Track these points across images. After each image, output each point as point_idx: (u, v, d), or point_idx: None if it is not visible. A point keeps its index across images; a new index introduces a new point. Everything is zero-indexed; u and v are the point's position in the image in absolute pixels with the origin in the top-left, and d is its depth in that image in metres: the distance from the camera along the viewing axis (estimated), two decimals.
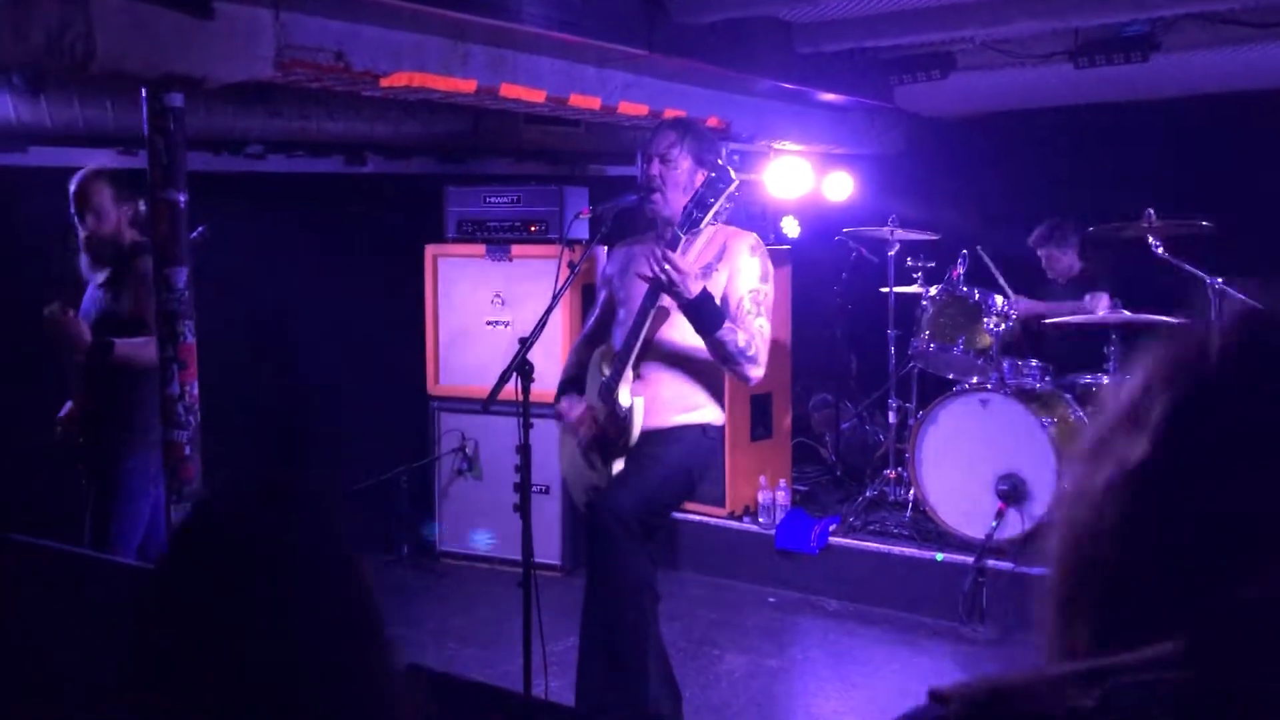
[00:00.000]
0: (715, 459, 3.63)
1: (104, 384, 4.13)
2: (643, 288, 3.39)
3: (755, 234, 3.58)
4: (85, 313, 4.21)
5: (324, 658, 1.25)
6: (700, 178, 3.41)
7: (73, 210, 4.17)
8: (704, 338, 3.33)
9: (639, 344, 3.38)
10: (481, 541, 5.93)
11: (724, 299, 3.41)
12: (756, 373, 3.40)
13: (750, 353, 3.34)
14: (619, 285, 3.67)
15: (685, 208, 3.27)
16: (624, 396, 3.39)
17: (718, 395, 3.59)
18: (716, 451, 3.63)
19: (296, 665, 1.23)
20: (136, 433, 4.10)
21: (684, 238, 3.26)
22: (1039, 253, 6.03)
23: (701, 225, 3.27)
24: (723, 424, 3.63)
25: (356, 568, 1.34)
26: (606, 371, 3.46)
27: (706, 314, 3.26)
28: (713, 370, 3.51)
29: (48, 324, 3.93)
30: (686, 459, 3.51)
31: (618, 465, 3.45)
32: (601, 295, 3.79)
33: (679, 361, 3.47)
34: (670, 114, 5.01)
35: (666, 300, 3.31)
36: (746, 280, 3.44)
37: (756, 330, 3.39)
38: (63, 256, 4.01)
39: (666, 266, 3.15)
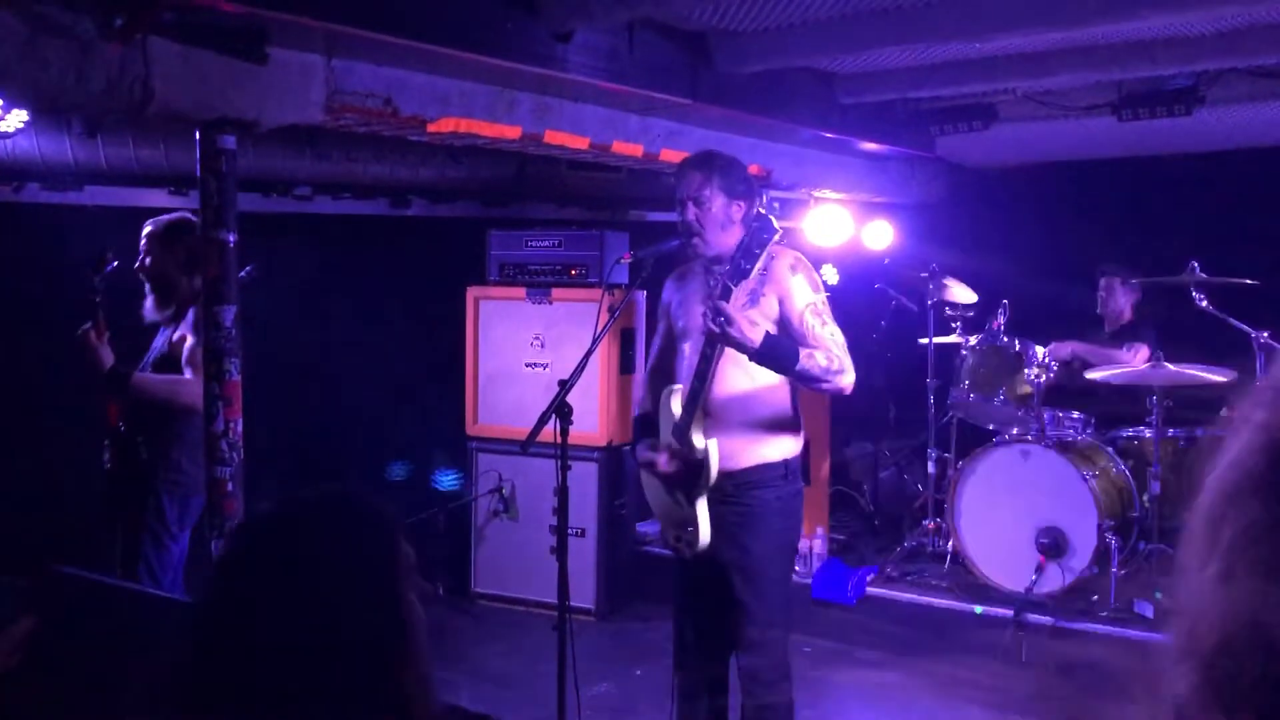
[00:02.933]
0: (800, 502, 3.55)
1: (136, 416, 4.20)
2: (700, 316, 3.36)
3: (792, 250, 3.50)
4: (153, 351, 4.31)
5: (367, 683, 1.26)
6: (736, 209, 3.41)
7: (142, 251, 4.29)
8: (786, 375, 3.30)
9: (705, 386, 3.34)
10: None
11: (784, 319, 3.36)
12: (847, 380, 3.31)
13: (835, 368, 3.27)
14: (678, 315, 3.62)
15: (733, 258, 3.23)
16: (698, 440, 3.35)
17: (793, 418, 3.51)
18: (800, 494, 3.54)
19: (338, 690, 1.24)
20: (166, 470, 4.15)
21: (734, 288, 3.22)
22: (1101, 281, 5.97)
23: (751, 275, 3.22)
24: (801, 449, 3.53)
25: (409, 595, 1.34)
26: (678, 412, 3.43)
27: (779, 355, 3.20)
28: (782, 395, 3.45)
29: (77, 345, 4.02)
30: (779, 536, 3.47)
31: (702, 505, 3.40)
32: (661, 326, 3.74)
33: (747, 395, 3.41)
34: None
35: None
36: (801, 296, 3.36)
37: (830, 341, 3.32)
38: (93, 280, 4.09)
39: (722, 321, 3.11)
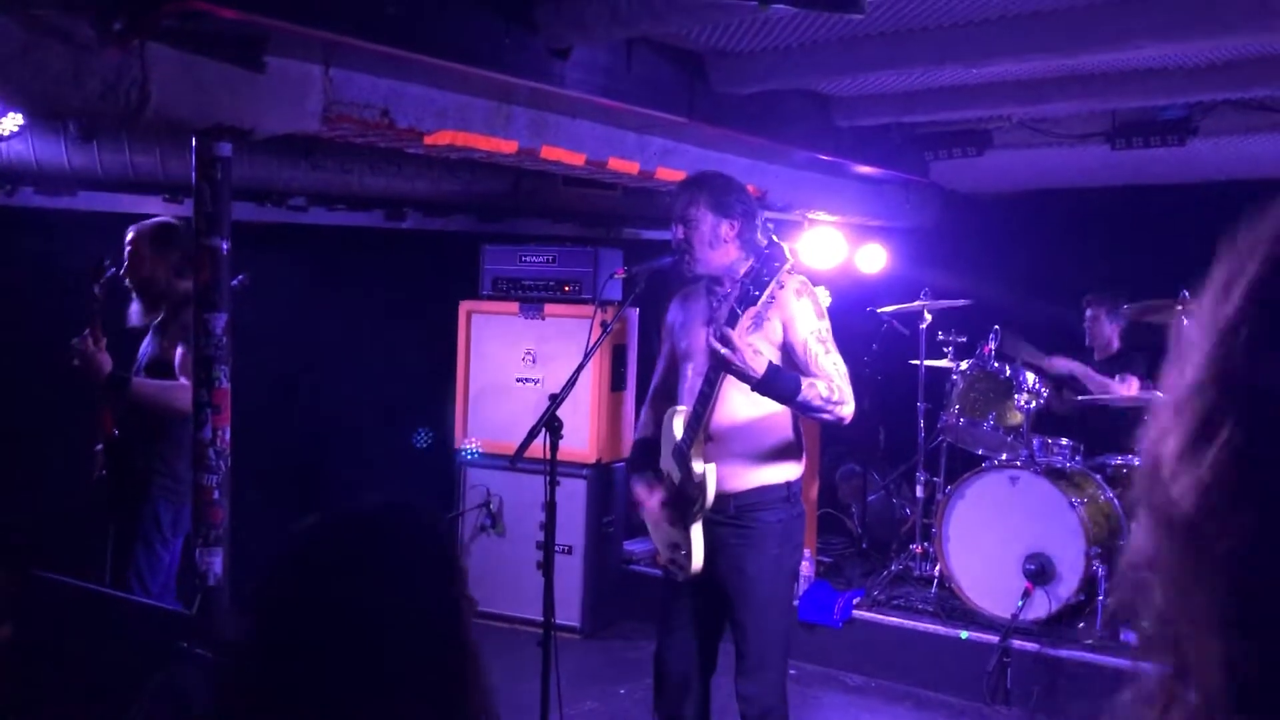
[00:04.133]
0: (802, 525, 3.54)
1: (132, 422, 4.18)
2: (703, 338, 3.37)
3: (798, 275, 3.46)
4: (142, 356, 4.29)
5: (435, 700, 1.24)
6: (727, 228, 3.41)
7: (126, 256, 4.27)
8: (787, 405, 3.29)
9: (707, 410, 3.33)
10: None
11: (788, 345, 3.35)
12: (847, 411, 3.29)
13: (835, 398, 3.25)
14: (680, 336, 3.61)
15: (742, 284, 3.21)
16: (696, 465, 3.34)
17: (795, 443, 3.50)
18: (803, 517, 3.53)
19: (404, 711, 1.22)
20: (161, 477, 4.14)
21: (741, 314, 3.19)
22: (1088, 311, 5.97)
23: (759, 302, 3.19)
24: (802, 472, 3.53)
25: (468, 610, 1.32)
26: (679, 433, 3.42)
27: (780, 386, 3.19)
28: (785, 421, 3.44)
29: (75, 352, 4.01)
30: (779, 559, 3.44)
31: (696, 529, 3.38)
32: (665, 347, 3.73)
33: (750, 420, 3.40)
34: None
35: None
36: (804, 324, 3.35)
37: (832, 370, 3.30)
38: (91, 287, 4.08)
39: (726, 351, 3.10)
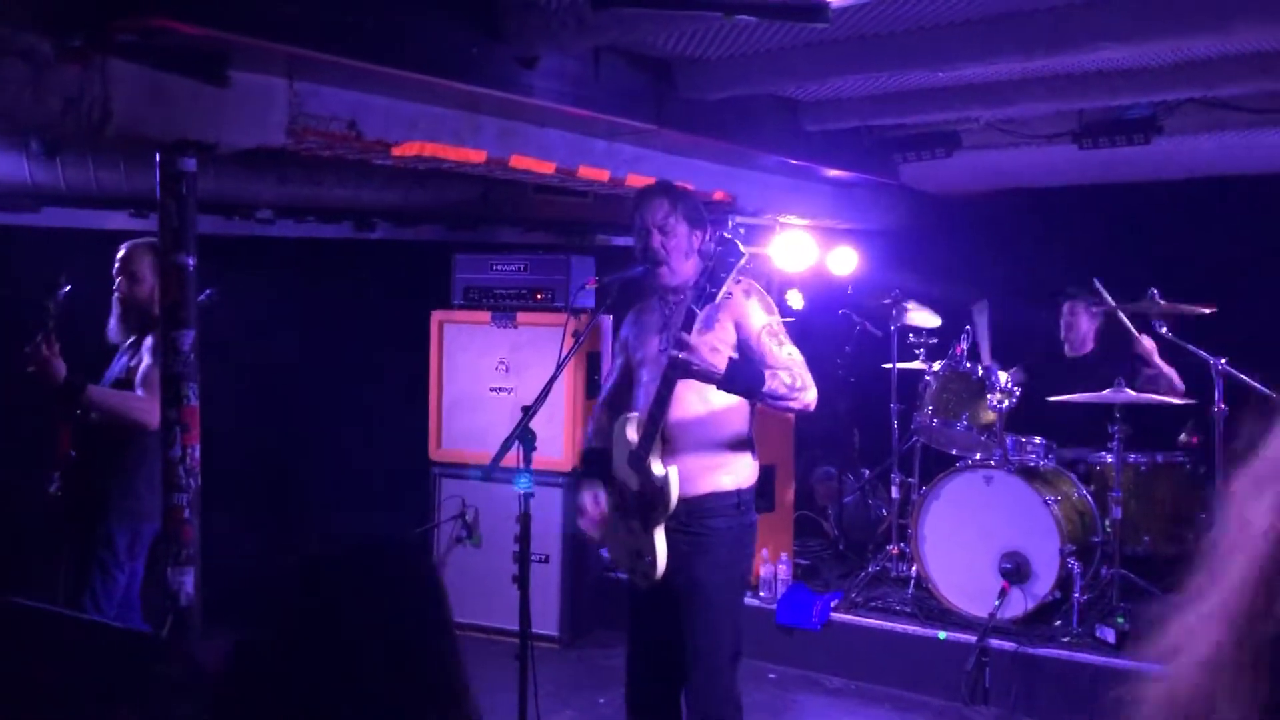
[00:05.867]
0: (753, 534, 3.55)
1: (90, 443, 4.13)
2: (657, 346, 3.41)
3: (744, 276, 3.47)
4: (109, 377, 4.24)
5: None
6: (695, 238, 3.45)
7: (115, 270, 4.24)
8: (753, 399, 3.32)
9: (664, 413, 3.33)
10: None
11: (742, 343, 3.37)
12: (811, 397, 3.33)
13: (798, 385, 3.29)
14: (635, 347, 3.63)
15: (697, 283, 3.23)
16: (656, 467, 3.35)
17: (748, 441, 3.51)
18: (753, 526, 3.54)
19: None
20: (120, 499, 4.08)
21: (699, 311, 3.21)
22: (1065, 307, 5.99)
23: (717, 299, 3.21)
24: (755, 479, 3.54)
25: (456, 642, 1.32)
26: (634, 439, 3.42)
27: (745, 379, 3.21)
28: (739, 420, 3.46)
29: (29, 357, 3.95)
30: (729, 568, 3.45)
31: (659, 534, 3.38)
32: (618, 361, 3.74)
33: (703, 419, 3.41)
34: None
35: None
36: (756, 319, 3.38)
37: (789, 361, 3.34)
38: (45, 303, 4.04)
39: (684, 354, 3.11)
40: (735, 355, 3.32)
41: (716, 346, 3.26)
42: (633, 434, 3.44)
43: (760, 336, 3.36)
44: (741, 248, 3.19)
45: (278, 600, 1.32)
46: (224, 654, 1.31)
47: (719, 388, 3.22)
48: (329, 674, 1.23)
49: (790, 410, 3.39)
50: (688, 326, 3.17)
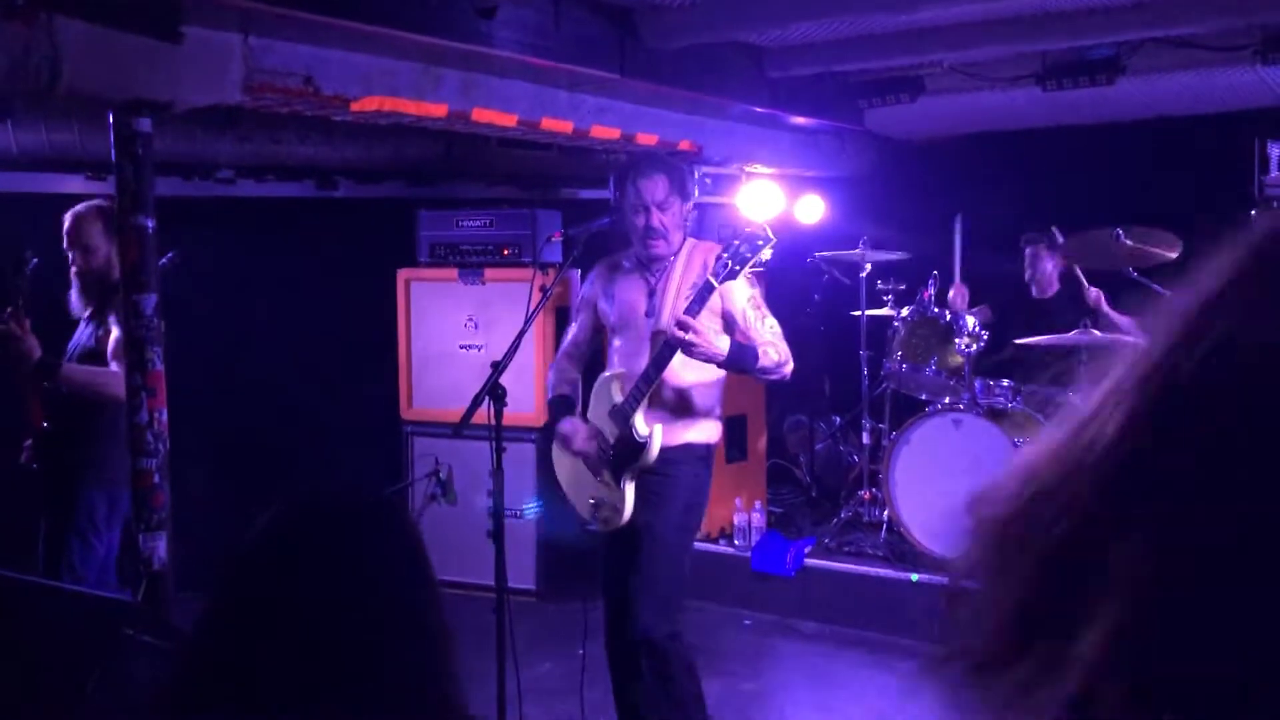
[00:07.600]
0: (708, 489, 3.78)
1: (62, 413, 4.08)
2: (641, 314, 3.61)
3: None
4: (73, 347, 4.18)
5: (410, 688, 1.22)
6: (686, 210, 3.67)
7: (65, 245, 4.15)
8: (745, 374, 3.55)
9: (657, 378, 3.51)
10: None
11: (727, 314, 3.57)
12: (790, 369, 3.59)
13: (781, 359, 3.54)
14: (609, 310, 3.74)
15: (721, 259, 3.39)
16: (641, 425, 3.53)
17: (719, 404, 3.74)
18: (709, 482, 3.77)
19: (379, 693, 1.21)
20: (95, 467, 4.04)
21: (718, 285, 3.39)
22: (1027, 250, 6.01)
23: (739, 275, 3.40)
24: (719, 438, 3.78)
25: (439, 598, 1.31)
26: (619, 397, 3.58)
27: (744, 361, 3.43)
28: (716, 388, 3.70)
29: (1, 337, 3.89)
30: (684, 513, 3.65)
31: (629, 484, 3.57)
32: (582, 317, 3.85)
33: (687, 386, 3.62)
34: (642, 138, 5.03)
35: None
36: (740, 293, 3.57)
37: (772, 334, 3.57)
38: (14, 281, 3.97)
39: (690, 336, 3.28)
40: (720, 324, 3.55)
41: (718, 330, 3.48)
42: (617, 392, 3.61)
43: (745, 311, 3.58)
44: (770, 233, 3.40)
45: (255, 559, 1.31)
46: (198, 617, 1.30)
47: (720, 367, 3.47)
48: (307, 635, 1.23)
49: (770, 380, 3.68)
50: (700, 301, 3.36)
